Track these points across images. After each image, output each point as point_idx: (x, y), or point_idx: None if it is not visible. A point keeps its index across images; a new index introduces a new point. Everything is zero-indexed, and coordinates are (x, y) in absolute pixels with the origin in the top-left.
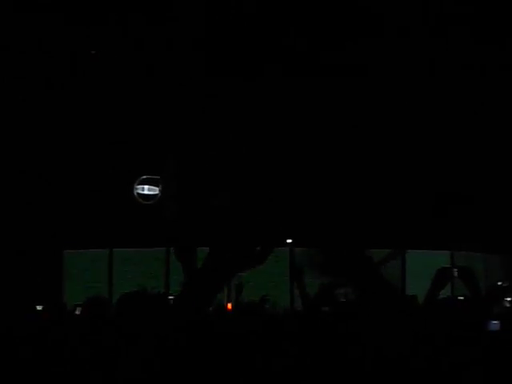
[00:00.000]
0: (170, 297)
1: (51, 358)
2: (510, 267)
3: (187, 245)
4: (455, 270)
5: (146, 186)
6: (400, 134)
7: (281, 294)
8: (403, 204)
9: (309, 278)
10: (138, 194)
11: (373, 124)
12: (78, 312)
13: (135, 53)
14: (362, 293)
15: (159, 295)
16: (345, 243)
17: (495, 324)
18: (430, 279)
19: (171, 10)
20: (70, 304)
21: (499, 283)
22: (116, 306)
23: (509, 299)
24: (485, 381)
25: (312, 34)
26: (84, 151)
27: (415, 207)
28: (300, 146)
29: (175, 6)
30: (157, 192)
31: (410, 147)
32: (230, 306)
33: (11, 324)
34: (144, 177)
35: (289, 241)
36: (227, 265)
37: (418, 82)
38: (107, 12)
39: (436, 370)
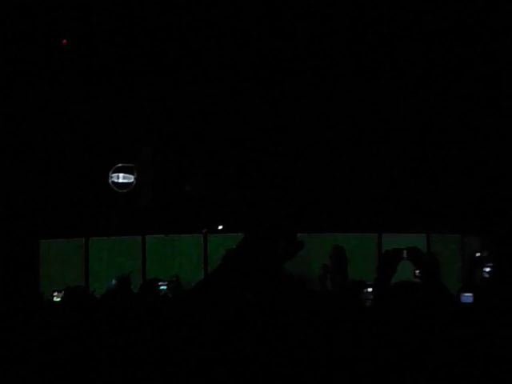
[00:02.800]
0: (160, 283)
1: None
2: (488, 249)
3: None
4: (404, 251)
5: (121, 174)
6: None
7: None
8: (378, 187)
9: None
10: (113, 182)
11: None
12: (56, 298)
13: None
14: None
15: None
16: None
17: (468, 297)
18: (404, 262)
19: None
20: (47, 292)
21: (478, 254)
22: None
23: (487, 270)
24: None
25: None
26: (59, 139)
27: (390, 190)
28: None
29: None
30: (132, 180)
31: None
32: None
33: None
34: (119, 165)
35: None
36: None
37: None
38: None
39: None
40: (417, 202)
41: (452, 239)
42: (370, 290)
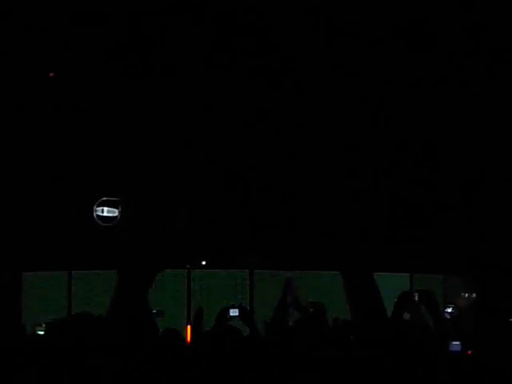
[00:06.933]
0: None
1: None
2: (470, 289)
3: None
4: (415, 293)
5: (106, 208)
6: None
7: None
8: (360, 226)
9: None
10: (98, 215)
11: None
12: (39, 331)
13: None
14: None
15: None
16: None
17: (456, 345)
18: (389, 302)
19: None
20: (30, 324)
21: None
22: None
23: (449, 310)
24: None
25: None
26: (43, 172)
27: (372, 230)
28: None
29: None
30: (116, 214)
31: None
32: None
33: None
34: (103, 198)
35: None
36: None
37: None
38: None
39: None
40: (400, 242)
41: (434, 279)
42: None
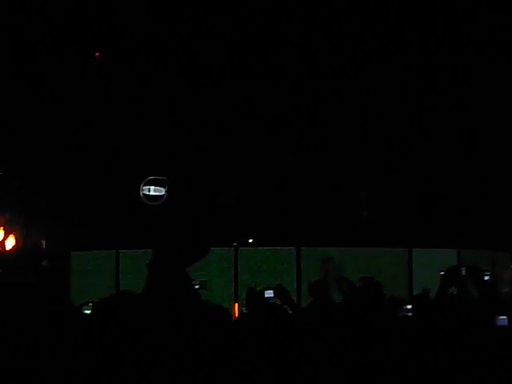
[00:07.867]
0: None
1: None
2: None
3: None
4: (463, 268)
5: (152, 187)
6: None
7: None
8: (409, 202)
9: None
10: (144, 194)
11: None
12: (86, 310)
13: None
14: None
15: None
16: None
17: (503, 319)
18: (437, 278)
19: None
20: (77, 303)
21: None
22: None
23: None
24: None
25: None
26: (90, 152)
27: (421, 205)
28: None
29: None
30: (163, 193)
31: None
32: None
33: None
34: (150, 177)
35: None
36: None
37: None
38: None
39: (444, 365)
40: (448, 217)
41: (483, 254)
42: (409, 306)
